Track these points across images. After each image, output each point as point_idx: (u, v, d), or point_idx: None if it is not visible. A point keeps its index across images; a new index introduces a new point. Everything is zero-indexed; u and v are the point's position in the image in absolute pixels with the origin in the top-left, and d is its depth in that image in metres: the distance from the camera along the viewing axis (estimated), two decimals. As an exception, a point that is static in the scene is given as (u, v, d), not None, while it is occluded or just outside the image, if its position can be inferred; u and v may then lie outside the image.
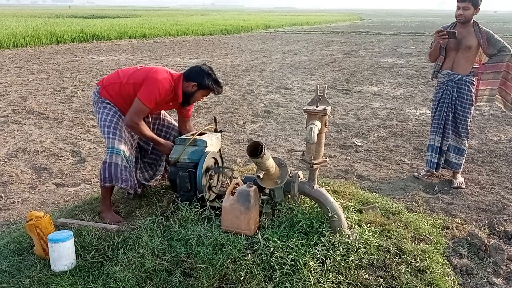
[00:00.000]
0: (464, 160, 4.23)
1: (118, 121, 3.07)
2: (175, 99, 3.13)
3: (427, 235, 2.94)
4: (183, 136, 3.14)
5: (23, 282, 2.39)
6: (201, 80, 3.02)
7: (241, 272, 2.31)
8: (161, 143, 3.15)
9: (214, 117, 3.34)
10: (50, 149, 5.12)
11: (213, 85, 3.06)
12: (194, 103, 3.30)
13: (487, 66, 3.99)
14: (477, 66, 4.06)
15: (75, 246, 2.56)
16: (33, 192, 3.96)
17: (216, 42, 20.25)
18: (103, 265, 2.51)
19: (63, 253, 2.47)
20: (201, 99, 3.19)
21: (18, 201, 3.76)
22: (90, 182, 4.18)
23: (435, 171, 4.33)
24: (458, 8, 3.92)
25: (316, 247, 2.47)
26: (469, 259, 2.81)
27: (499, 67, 3.95)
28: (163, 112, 3.46)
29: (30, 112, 6.85)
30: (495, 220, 3.38)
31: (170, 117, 3.54)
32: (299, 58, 14.46)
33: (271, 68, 12.01)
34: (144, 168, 3.50)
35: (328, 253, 2.44)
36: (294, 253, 2.39)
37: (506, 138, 5.78)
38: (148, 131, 3.08)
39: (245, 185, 2.66)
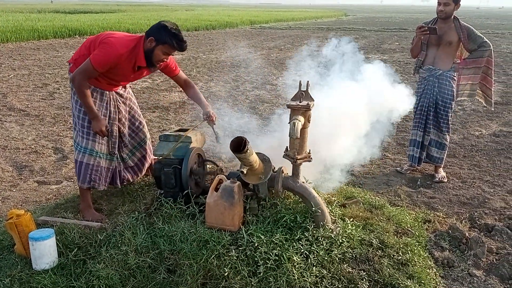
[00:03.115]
0: (445, 155, 4.29)
1: None
2: (138, 63, 2.94)
3: (409, 229, 2.98)
4: (167, 133, 3.11)
5: (3, 281, 2.36)
6: (158, 34, 2.82)
7: (225, 268, 2.31)
8: (97, 118, 2.95)
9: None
10: (32, 147, 5.04)
11: (171, 39, 2.82)
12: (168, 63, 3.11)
13: (467, 61, 4.05)
14: (458, 62, 4.12)
15: (57, 244, 2.54)
16: (14, 190, 3.90)
17: (201, 38, 20.14)
18: (85, 263, 2.49)
19: (44, 252, 2.44)
20: (164, 59, 2.95)
21: (-2, 200, 3.69)
22: (72, 180, 4.13)
23: (417, 165, 4.38)
24: (439, 4, 3.96)
25: (300, 242, 2.48)
26: (451, 252, 2.85)
27: (479, 62, 4.02)
28: (137, 111, 3.41)
29: (11, 109, 6.73)
30: (476, 214, 3.44)
31: (141, 117, 3.46)
32: (285, 54, 14.47)
33: (257, 64, 12.00)
34: (131, 169, 3.46)
35: (312, 248, 2.46)
36: (278, 248, 2.40)
37: (487, 133, 5.88)
38: (86, 97, 2.88)
39: (229, 181, 2.66)
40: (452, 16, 3.98)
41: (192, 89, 3.36)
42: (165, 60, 2.98)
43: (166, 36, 2.82)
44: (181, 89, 3.52)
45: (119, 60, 2.84)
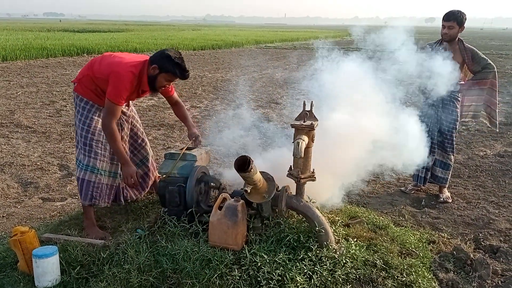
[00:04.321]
0: (450, 175, 4.28)
1: (93, 134, 3.06)
2: (142, 87, 3.02)
3: (414, 250, 2.96)
4: (172, 151, 3.14)
5: (5, 298, 2.35)
6: (161, 63, 2.90)
7: (227, 288, 2.30)
8: (128, 163, 3.03)
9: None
10: (37, 163, 5.07)
11: (174, 68, 2.90)
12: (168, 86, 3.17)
13: (471, 83, 4.08)
14: (462, 83, 4.15)
15: (60, 261, 2.54)
16: (18, 207, 3.91)
17: (207, 57, 20.37)
18: (88, 281, 2.48)
19: (47, 269, 2.44)
20: (167, 85, 3.05)
21: (3, 216, 3.71)
22: (77, 197, 4.14)
23: (422, 185, 4.37)
24: (443, 27, 4.01)
25: (303, 262, 2.47)
26: (455, 273, 2.82)
27: (483, 84, 4.04)
28: (140, 128, 3.45)
29: (18, 125, 6.80)
30: (480, 235, 3.41)
31: (144, 134, 3.52)
32: (289, 73, 14.59)
33: (261, 83, 12.10)
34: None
35: (315, 268, 2.44)
36: (281, 268, 2.39)
37: (492, 153, 5.86)
38: (117, 142, 2.96)
39: (233, 199, 2.66)
40: (457, 38, 4.02)
41: (181, 109, 3.48)
42: (167, 86, 3.08)
43: (169, 65, 2.90)
44: (186, 107, 3.58)
45: (132, 86, 2.93)
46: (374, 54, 3.69)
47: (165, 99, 3.48)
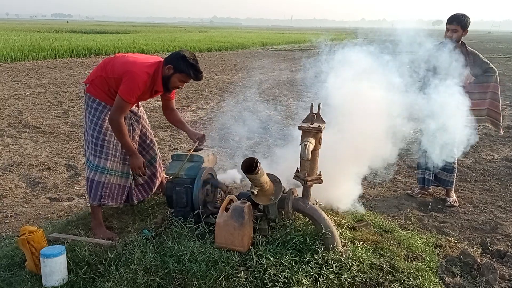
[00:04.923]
0: (455, 178, 4.25)
1: (105, 135, 3.09)
2: (156, 87, 3.06)
3: (420, 253, 2.94)
4: (179, 152, 3.15)
5: (13, 297, 2.37)
6: (176, 63, 2.96)
7: (233, 289, 2.30)
8: (136, 155, 3.10)
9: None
10: (45, 163, 5.11)
11: (188, 69, 2.96)
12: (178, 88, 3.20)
13: (473, 86, 4.05)
14: (464, 86, 4.12)
15: (68, 261, 2.55)
16: (26, 206, 3.95)
17: (213, 59, 20.42)
18: (95, 281, 2.50)
19: (55, 269, 2.46)
20: (180, 86, 3.08)
21: (11, 215, 3.74)
22: (84, 197, 4.17)
23: (428, 187, 4.35)
24: (447, 29, 4.01)
25: (309, 265, 2.46)
26: (462, 277, 2.81)
27: (485, 88, 4.03)
28: (148, 129, 3.47)
29: (26, 126, 6.86)
30: (487, 239, 3.39)
31: (152, 135, 3.55)
32: (296, 75, 14.58)
33: (268, 85, 12.10)
34: (141, 187, 3.51)
35: (321, 271, 2.44)
36: (287, 270, 2.39)
37: (499, 157, 5.83)
38: (125, 136, 3.03)
39: (239, 201, 2.67)
40: (460, 41, 4.01)
41: (177, 115, 3.52)
42: (180, 87, 3.11)
43: (184, 66, 2.95)
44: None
45: (145, 86, 2.96)
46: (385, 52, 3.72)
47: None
